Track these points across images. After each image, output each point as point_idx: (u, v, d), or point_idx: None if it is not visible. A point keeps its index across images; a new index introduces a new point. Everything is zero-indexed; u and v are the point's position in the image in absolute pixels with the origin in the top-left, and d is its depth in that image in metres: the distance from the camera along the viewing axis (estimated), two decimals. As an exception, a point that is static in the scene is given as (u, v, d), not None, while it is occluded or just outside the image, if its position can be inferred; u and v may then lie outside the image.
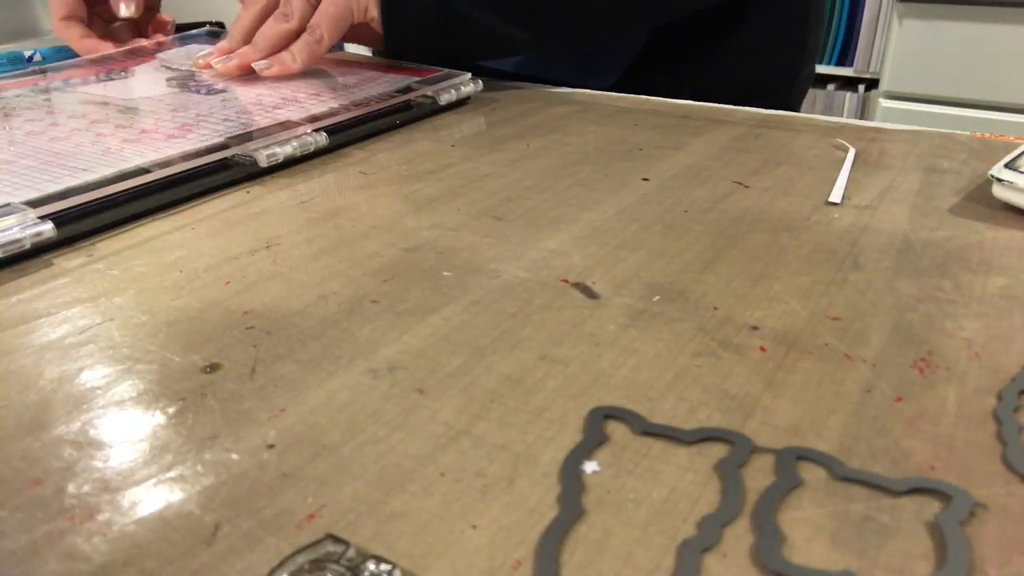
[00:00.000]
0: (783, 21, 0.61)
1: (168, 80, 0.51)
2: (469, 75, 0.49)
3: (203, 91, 0.49)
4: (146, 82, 0.51)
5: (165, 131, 0.40)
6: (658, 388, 0.20)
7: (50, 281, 0.27)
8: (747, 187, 0.34)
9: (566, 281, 0.26)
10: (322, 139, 0.40)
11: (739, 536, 0.16)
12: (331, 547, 0.15)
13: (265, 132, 0.40)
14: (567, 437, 0.19)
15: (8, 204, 0.30)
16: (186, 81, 0.50)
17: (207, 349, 0.22)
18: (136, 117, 0.43)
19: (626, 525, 0.16)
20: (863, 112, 1.83)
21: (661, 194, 0.34)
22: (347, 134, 0.42)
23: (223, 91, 0.49)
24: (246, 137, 0.39)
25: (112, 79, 0.52)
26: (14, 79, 0.53)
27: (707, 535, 0.16)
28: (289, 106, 0.44)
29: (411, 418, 0.19)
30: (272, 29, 0.49)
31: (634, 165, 0.37)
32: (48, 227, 0.29)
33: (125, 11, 0.55)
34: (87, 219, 0.31)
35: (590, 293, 0.25)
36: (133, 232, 0.31)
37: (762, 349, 0.22)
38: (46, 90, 0.50)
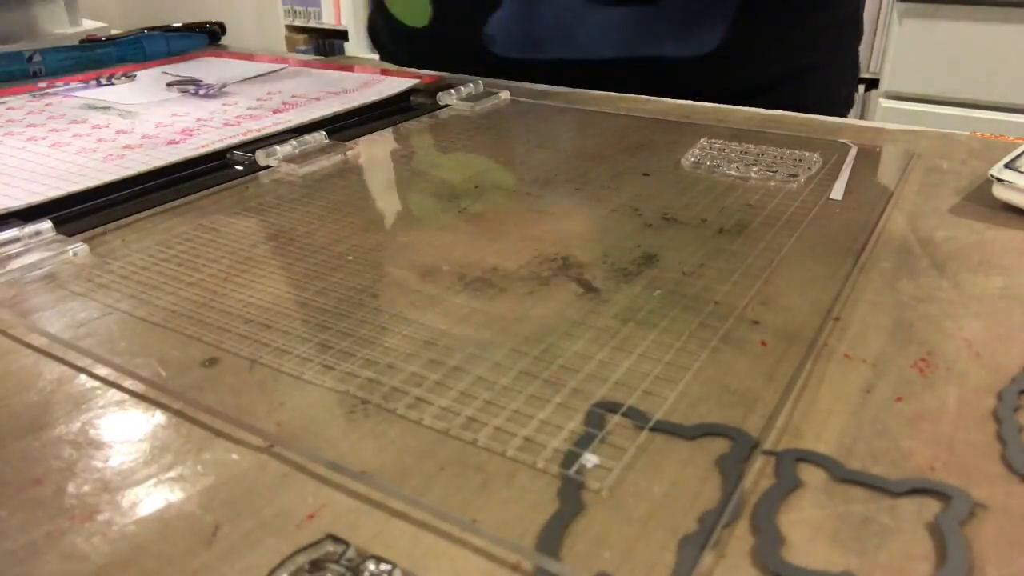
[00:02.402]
0: (849, 45, 0.61)
1: (169, 85, 0.51)
2: (469, 78, 0.49)
3: (204, 96, 0.49)
4: (147, 87, 0.52)
5: (166, 136, 0.40)
6: (658, 382, 0.20)
7: (49, 280, 0.27)
8: (748, 184, 0.34)
9: (566, 276, 0.26)
10: (321, 138, 0.40)
11: (739, 537, 0.16)
12: (331, 547, 0.15)
13: (266, 135, 0.40)
14: (567, 431, 0.19)
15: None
16: (187, 86, 0.50)
17: (206, 344, 0.22)
18: (137, 122, 0.43)
19: (626, 520, 0.16)
20: (863, 112, 1.83)
21: (662, 190, 0.34)
22: (347, 134, 0.42)
23: (224, 96, 0.49)
24: (247, 141, 0.39)
25: (113, 84, 0.52)
26: (14, 85, 0.53)
27: (708, 531, 0.16)
28: (289, 109, 0.45)
29: (411, 413, 0.19)
30: None
31: (634, 161, 0.37)
32: (47, 226, 0.29)
33: None
34: (86, 218, 0.31)
35: (590, 287, 0.25)
36: (132, 229, 0.31)
37: (763, 344, 0.22)
38: (47, 95, 0.50)
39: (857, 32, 0.63)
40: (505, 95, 0.50)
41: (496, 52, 0.54)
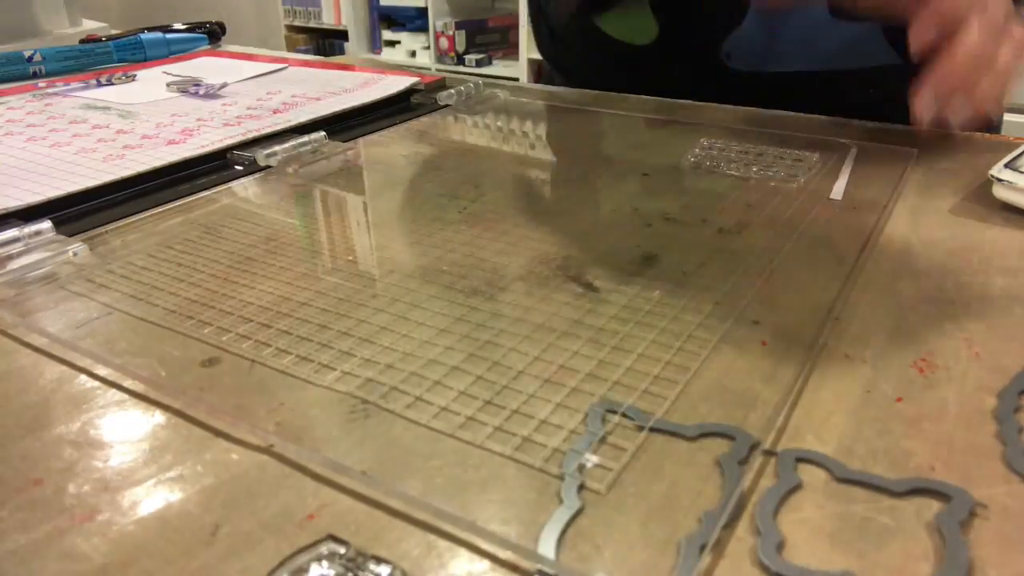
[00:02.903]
0: None
1: (169, 85, 0.51)
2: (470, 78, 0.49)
3: (204, 96, 0.49)
4: (147, 87, 0.52)
5: (166, 136, 0.40)
6: (658, 382, 0.20)
7: (49, 280, 0.27)
8: (748, 184, 0.34)
9: (566, 275, 0.26)
10: (321, 138, 0.40)
11: (739, 537, 0.16)
12: (331, 547, 0.15)
13: (266, 135, 0.40)
14: (567, 431, 0.19)
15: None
16: (187, 86, 0.50)
17: (206, 344, 0.22)
18: (137, 122, 0.43)
19: (626, 520, 0.16)
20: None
21: (661, 190, 0.34)
22: (347, 134, 0.42)
23: (224, 96, 0.49)
24: (247, 141, 0.39)
25: (113, 84, 0.52)
26: (14, 85, 0.53)
27: (707, 531, 0.16)
28: (289, 109, 0.45)
29: (411, 413, 0.19)
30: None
31: (634, 161, 0.37)
32: (47, 226, 0.29)
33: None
34: (86, 218, 0.31)
35: (590, 287, 0.25)
36: (132, 229, 0.31)
37: (763, 344, 0.22)
38: (47, 96, 0.50)
39: None
40: (505, 95, 0.50)
41: (733, 66, 0.53)
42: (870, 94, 0.52)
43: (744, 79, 0.53)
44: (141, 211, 0.32)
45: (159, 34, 0.64)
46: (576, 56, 0.62)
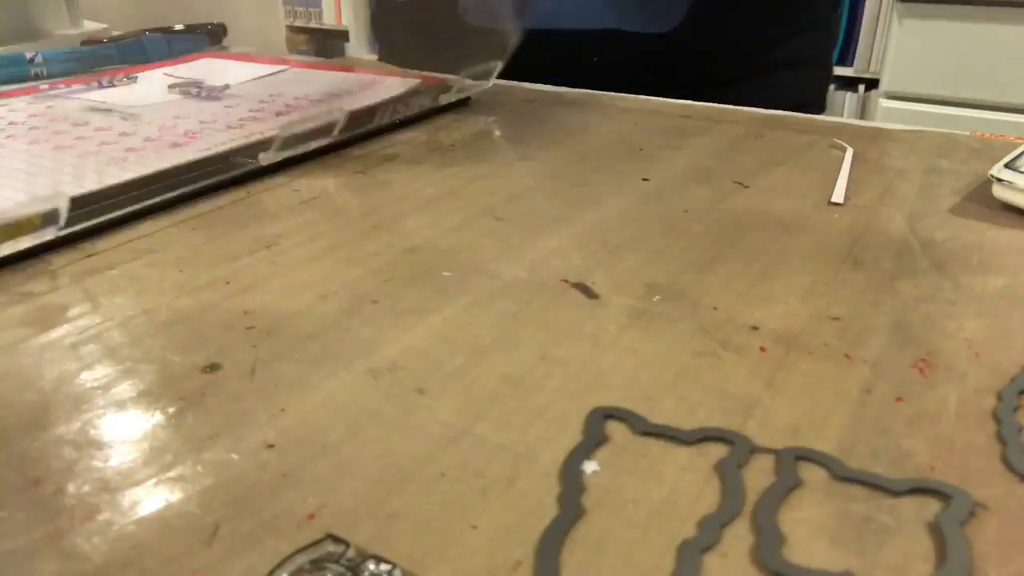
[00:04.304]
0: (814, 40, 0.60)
1: (171, 87, 0.51)
2: (469, 79, 0.49)
3: (206, 98, 0.49)
4: (149, 89, 0.52)
5: (169, 139, 0.40)
6: (658, 388, 0.20)
7: (49, 281, 0.27)
8: (747, 187, 0.34)
9: (566, 281, 0.26)
10: (324, 141, 0.40)
11: (739, 536, 0.16)
12: (331, 547, 0.15)
13: (269, 138, 0.40)
14: (567, 437, 0.19)
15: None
16: (189, 88, 0.50)
17: (207, 349, 0.22)
18: (139, 125, 0.43)
19: (626, 525, 0.16)
20: (863, 112, 1.83)
21: (661, 194, 0.34)
22: (347, 135, 0.42)
23: (226, 97, 0.49)
24: (250, 144, 0.39)
25: (115, 86, 0.52)
26: (16, 87, 0.53)
27: (707, 535, 0.16)
28: (292, 112, 0.45)
29: (411, 418, 0.19)
30: None
31: (634, 165, 0.37)
32: (50, 228, 0.29)
33: None
34: (87, 220, 0.31)
35: (590, 293, 0.25)
36: (133, 231, 0.31)
37: (762, 349, 0.22)
38: (49, 98, 0.50)
39: (831, 35, 0.63)
40: (505, 96, 0.50)
41: (471, 23, 0.52)
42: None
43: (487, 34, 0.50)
44: (144, 214, 0.32)
45: (160, 35, 0.64)
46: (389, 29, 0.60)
